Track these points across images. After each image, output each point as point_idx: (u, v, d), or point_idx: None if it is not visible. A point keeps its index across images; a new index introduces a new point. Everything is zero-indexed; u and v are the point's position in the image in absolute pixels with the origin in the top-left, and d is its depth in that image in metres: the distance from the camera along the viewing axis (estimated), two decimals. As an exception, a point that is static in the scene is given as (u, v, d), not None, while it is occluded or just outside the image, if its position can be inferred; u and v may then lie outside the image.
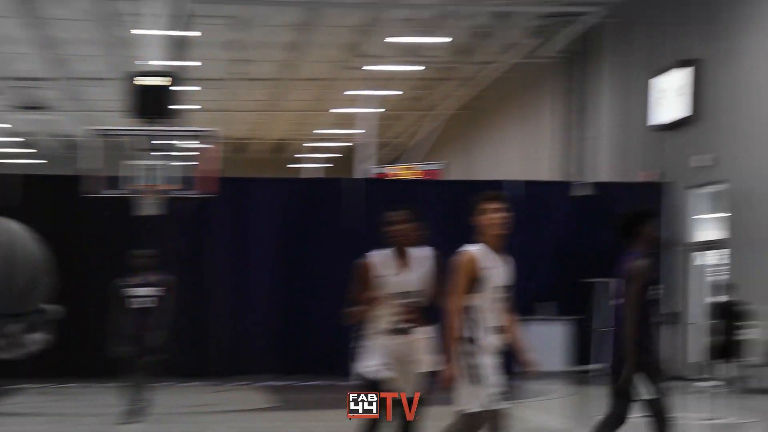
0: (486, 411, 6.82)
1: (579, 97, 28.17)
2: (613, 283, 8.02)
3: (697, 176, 21.65)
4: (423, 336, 7.35)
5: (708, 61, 21.53)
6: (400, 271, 7.31)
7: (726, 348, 18.94)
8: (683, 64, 22.10)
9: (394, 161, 42.15)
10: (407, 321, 7.29)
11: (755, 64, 20.01)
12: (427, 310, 7.44)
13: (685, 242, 22.14)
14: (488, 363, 6.86)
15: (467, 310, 6.81)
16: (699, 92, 21.75)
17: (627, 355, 7.52)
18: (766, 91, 19.59)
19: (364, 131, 32.95)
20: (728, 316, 19.00)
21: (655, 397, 7.58)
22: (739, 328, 19.02)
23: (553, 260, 21.25)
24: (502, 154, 35.77)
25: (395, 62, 31.49)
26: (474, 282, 6.83)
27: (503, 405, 6.90)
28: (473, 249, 6.89)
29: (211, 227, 21.23)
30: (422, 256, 7.39)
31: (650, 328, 7.62)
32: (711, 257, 21.72)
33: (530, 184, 22.88)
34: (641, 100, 24.20)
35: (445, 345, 6.90)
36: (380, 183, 26.30)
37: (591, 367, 21.98)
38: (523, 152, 33.00)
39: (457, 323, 6.80)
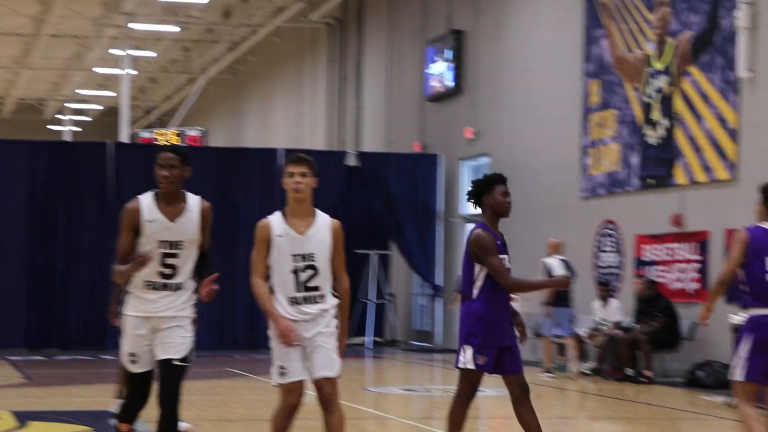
0: (292, 383, 6.46)
1: (350, 65, 27.90)
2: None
3: (467, 148, 21.74)
4: (183, 292, 6.63)
5: (474, 32, 21.60)
6: (169, 218, 6.59)
7: None
8: (453, 34, 22.09)
9: (156, 125, 40.92)
10: (170, 275, 6.57)
11: (517, 38, 20.17)
12: (199, 265, 6.67)
13: (458, 214, 22.21)
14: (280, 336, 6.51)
15: (267, 280, 6.53)
16: (466, 64, 21.83)
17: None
18: (526, 65, 19.79)
19: (125, 93, 31.66)
20: None
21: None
22: None
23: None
24: (272, 122, 35.25)
25: (156, 22, 30.35)
26: (270, 251, 6.54)
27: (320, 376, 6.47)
28: (271, 217, 6.60)
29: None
30: (193, 204, 6.67)
31: (504, 299, 7.33)
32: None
33: (299, 153, 22.37)
34: (413, 69, 24.12)
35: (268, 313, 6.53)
36: (139, 148, 25.25)
37: (364, 339, 21.84)
38: (294, 120, 32.55)
39: (262, 294, 6.53)
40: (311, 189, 6.57)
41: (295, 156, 6.67)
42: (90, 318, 19.88)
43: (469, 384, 7.29)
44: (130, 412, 6.73)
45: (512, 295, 7.46)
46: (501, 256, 7.23)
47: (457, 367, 7.28)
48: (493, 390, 14.77)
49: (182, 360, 6.52)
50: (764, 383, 7.64)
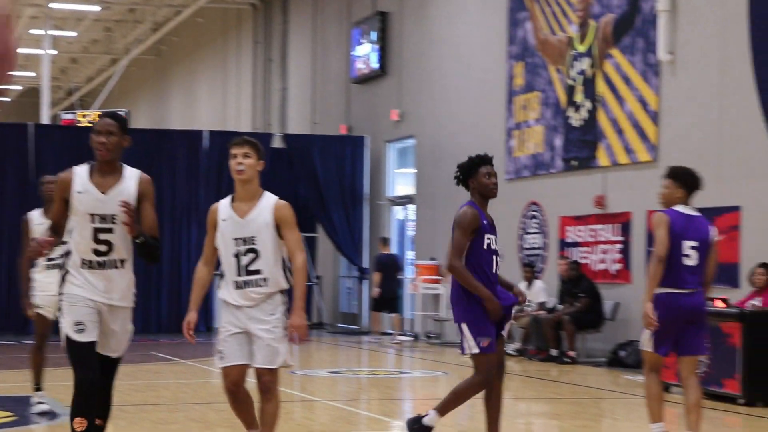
0: (227, 367, 6.51)
1: (275, 46, 27.75)
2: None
3: (393, 130, 21.78)
4: (125, 272, 6.24)
5: (399, 14, 21.62)
6: (101, 190, 6.15)
7: (387, 300, 19.34)
8: (379, 16, 22.10)
9: (78, 107, 40.37)
10: (105, 252, 6.14)
11: (442, 20, 20.22)
12: (145, 244, 6.15)
13: (384, 196, 22.26)
14: (225, 320, 6.54)
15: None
16: (391, 46, 21.85)
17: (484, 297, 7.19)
18: (451, 48, 19.86)
19: (45, 74, 31.16)
20: (388, 269, 19.30)
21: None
22: (398, 280, 19.39)
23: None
24: (196, 103, 34.96)
25: (77, 1, 29.90)
26: (216, 235, 6.55)
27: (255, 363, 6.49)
28: (222, 201, 6.59)
29: None
30: (130, 176, 6.25)
31: (489, 278, 7.27)
32: (407, 211, 21.98)
33: (223, 135, 22.25)
34: (339, 51, 24.06)
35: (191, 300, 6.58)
36: (60, 130, 24.88)
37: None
38: (219, 101, 32.32)
39: (194, 281, 6.60)
40: (256, 171, 6.49)
41: (239, 138, 6.59)
42: (12, 302, 19.59)
43: (484, 368, 7.21)
44: (83, 401, 6.05)
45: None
46: (488, 236, 7.23)
47: (464, 354, 7.24)
48: (418, 372, 14.86)
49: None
50: (669, 355, 7.82)
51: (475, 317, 7.16)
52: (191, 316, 6.51)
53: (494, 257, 7.27)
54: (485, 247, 7.25)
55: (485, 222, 7.23)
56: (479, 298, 7.18)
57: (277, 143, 21.90)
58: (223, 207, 6.51)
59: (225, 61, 31.76)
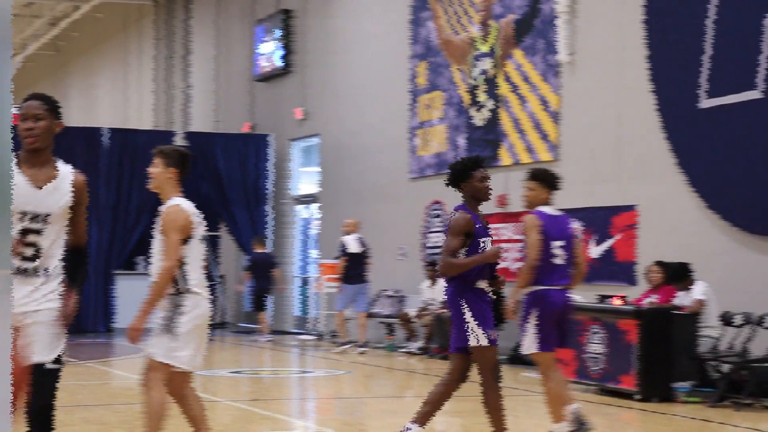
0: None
1: (178, 43, 27.48)
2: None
3: (297, 128, 21.72)
4: (49, 281, 5.32)
5: (303, 11, 21.57)
6: (35, 184, 5.32)
7: (260, 299, 19.44)
8: (282, 13, 22.03)
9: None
10: (32, 257, 5.27)
11: (346, 17, 20.24)
12: (73, 263, 5.44)
13: (289, 195, 22.18)
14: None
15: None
16: (295, 43, 21.79)
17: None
18: (354, 46, 19.88)
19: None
20: (261, 268, 19.32)
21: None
22: (271, 279, 19.50)
23: (152, 212, 20.59)
24: (96, 100, 34.46)
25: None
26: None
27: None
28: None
29: None
30: (66, 174, 5.46)
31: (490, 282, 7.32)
32: (311, 210, 21.94)
33: (124, 132, 21.94)
34: (242, 48, 23.93)
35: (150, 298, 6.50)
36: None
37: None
38: (120, 98, 31.89)
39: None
40: (165, 178, 6.76)
41: (158, 148, 6.83)
42: None
43: (492, 361, 7.22)
44: None
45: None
46: (483, 240, 7.22)
47: (465, 349, 7.22)
48: (322, 371, 14.83)
49: (55, 361, 5.31)
50: (557, 348, 7.96)
51: (480, 311, 7.18)
52: None
53: None
54: (480, 250, 7.26)
55: (479, 226, 7.25)
56: (479, 292, 7.21)
57: (179, 141, 21.68)
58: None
59: (126, 57, 31.35)
